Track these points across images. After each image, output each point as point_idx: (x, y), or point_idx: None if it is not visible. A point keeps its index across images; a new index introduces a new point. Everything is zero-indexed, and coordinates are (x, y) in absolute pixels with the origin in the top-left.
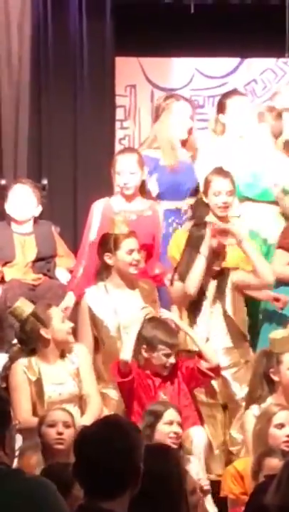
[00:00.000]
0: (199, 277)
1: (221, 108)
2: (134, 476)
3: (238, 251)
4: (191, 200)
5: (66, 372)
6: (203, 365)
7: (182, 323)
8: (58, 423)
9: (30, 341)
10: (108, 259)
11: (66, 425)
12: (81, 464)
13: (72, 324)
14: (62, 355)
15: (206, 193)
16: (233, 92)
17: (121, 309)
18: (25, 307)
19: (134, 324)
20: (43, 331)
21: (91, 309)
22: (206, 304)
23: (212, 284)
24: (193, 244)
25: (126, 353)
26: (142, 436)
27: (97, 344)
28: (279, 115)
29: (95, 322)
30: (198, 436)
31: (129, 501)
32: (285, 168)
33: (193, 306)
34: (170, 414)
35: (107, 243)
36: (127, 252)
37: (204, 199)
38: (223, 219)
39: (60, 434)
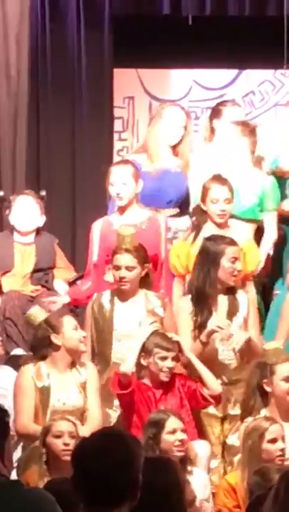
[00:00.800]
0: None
1: (215, 114)
2: (133, 488)
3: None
4: (174, 211)
5: (74, 383)
6: (205, 391)
7: (188, 350)
8: (64, 434)
9: (42, 348)
10: (107, 270)
11: (71, 436)
12: (79, 475)
13: (84, 333)
14: (72, 366)
15: (204, 200)
16: (230, 101)
17: (118, 319)
18: (38, 314)
19: (136, 337)
20: (54, 337)
21: (95, 313)
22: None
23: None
24: (210, 259)
25: (127, 366)
26: (145, 448)
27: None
28: (253, 130)
29: (97, 326)
30: (202, 449)
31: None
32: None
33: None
34: (173, 423)
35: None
36: (114, 268)
37: (202, 206)
38: (222, 226)
39: (66, 445)
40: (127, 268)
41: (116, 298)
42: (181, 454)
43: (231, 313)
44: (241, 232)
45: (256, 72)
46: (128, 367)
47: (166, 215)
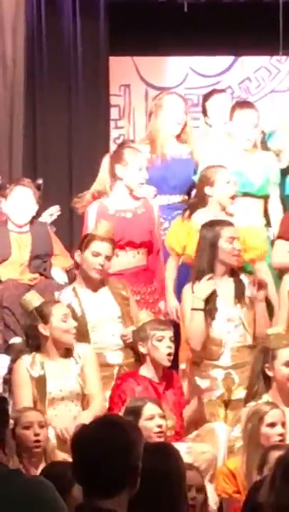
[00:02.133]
0: (200, 332)
1: (203, 111)
2: (133, 474)
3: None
4: (181, 198)
5: (69, 371)
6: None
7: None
8: (33, 424)
9: (33, 337)
10: (77, 256)
11: (41, 425)
12: (79, 463)
13: (75, 324)
14: (67, 354)
15: (210, 184)
16: (211, 92)
17: (89, 310)
18: (32, 300)
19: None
20: (40, 327)
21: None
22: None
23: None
24: (208, 243)
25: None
26: (143, 436)
27: None
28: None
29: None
30: (221, 431)
31: (128, 500)
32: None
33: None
34: (149, 409)
35: (81, 241)
36: (93, 254)
37: (208, 191)
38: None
39: (36, 435)
40: (106, 257)
41: (81, 290)
42: (160, 439)
43: (238, 295)
44: (248, 210)
45: (252, 58)
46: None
47: (173, 201)
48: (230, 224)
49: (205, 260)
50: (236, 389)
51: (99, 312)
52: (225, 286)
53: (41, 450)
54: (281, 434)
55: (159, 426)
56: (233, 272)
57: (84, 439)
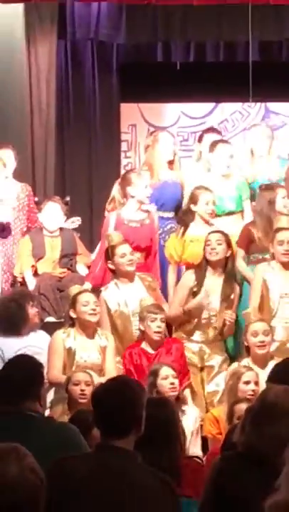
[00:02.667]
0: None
1: (199, 138)
2: (138, 421)
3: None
4: (170, 214)
5: (94, 347)
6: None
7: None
8: (81, 382)
9: (69, 317)
10: (110, 265)
11: (87, 384)
12: (97, 412)
13: (96, 308)
14: (94, 333)
15: (195, 203)
16: (210, 128)
17: (129, 300)
18: (74, 290)
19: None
20: (71, 312)
21: (106, 302)
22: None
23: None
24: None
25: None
26: (148, 392)
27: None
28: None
29: (109, 312)
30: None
31: (135, 440)
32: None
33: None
34: (165, 371)
35: (106, 253)
36: (120, 256)
37: (192, 208)
38: (209, 224)
39: (82, 391)
40: (130, 253)
41: (119, 283)
42: (174, 393)
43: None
44: (228, 225)
45: (229, 104)
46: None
47: (164, 216)
48: (215, 232)
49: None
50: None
51: (134, 303)
52: (213, 279)
53: (86, 402)
54: (253, 390)
55: (172, 383)
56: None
57: (101, 393)
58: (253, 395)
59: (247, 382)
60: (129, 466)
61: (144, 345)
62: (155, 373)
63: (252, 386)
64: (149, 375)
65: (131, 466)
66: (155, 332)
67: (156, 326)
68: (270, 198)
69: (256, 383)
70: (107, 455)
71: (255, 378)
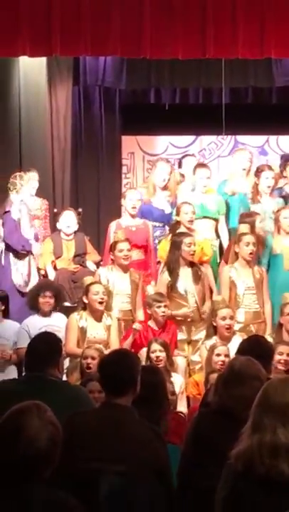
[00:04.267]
0: None
1: (179, 165)
2: (135, 383)
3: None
4: (159, 224)
5: (101, 326)
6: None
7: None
8: (88, 357)
9: (82, 302)
10: (112, 255)
11: (93, 358)
12: (103, 375)
13: (102, 296)
14: (101, 315)
15: (178, 214)
16: (187, 155)
17: (116, 282)
18: (87, 281)
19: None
20: (84, 298)
21: (99, 276)
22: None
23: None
24: (175, 247)
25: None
26: (140, 360)
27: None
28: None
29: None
30: (180, 362)
31: (132, 400)
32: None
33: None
34: (154, 346)
35: (110, 246)
36: (118, 251)
37: (177, 218)
38: (190, 229)
39: (88, 364)
40: (128, 250)
41: (114, 269)
42: (161, 364)
43: (194, 279)
44: (206, 227)
45: (206, 137)
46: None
47: (155, 225)
48: (189, 235)
49: (172, 256)
50: (194, 332)
51: (120, 286)
52: (185, 273)
53: (92, 371)
54: (223, 361)
55: (158, 357)
56: (192, 264)
57: (105, 361)
58: (222, 365)
59: (218, 355)
60: (127, 419)
61: (150, 323)
62: (148, 347)
63: (222, 358)
64: (147, 348)
65: (129, 419)
66: (161, 316)
67: (161, 311)
68: (250, 223)
69: (226, 355)
70: (110, 410)
71: (226, 352)
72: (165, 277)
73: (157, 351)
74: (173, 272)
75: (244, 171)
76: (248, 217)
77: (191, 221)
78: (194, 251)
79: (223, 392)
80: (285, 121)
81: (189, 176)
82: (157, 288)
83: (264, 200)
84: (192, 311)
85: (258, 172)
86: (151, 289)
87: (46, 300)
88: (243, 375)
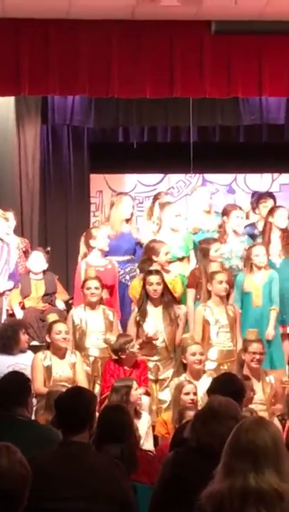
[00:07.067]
0: None
1: (154, 199)
2: (91, 419)
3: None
4: (128, 257)
5: (66, 364)
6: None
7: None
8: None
9: (46, 341)
10: (82, 291)
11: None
12: (59, 414)
13: (67, 336)
14: (65, 353)
15: (156, 254)
16: (159, 193)
17: (88, 320)
18: (51, 318)
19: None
20: (47, 337)
21: (72, 317)
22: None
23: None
24: (143, 284)
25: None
26: (96, 397)
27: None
28: (162, 206)
29: (73, 324)
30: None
31: (96, 437)
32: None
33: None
34: (135, 385)
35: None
36: (86, 288)
37: (154, 258)
38: (166, 270)
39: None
40: (96, 288)
41: (86, 308)
42: (140, 402)
43: (164, 318)
44: (178, 267)
45: (174, 175)
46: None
47: (122, 260)
48: (153, 273)
49: (141, 296)
50: (162, 371)
51: (95, 325)
52: (155, 311)
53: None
54: (192, 399)
55: (140, 394)
56: (167, 305)
57: (61, 400)
58: (192, 403)
59: (187, 394)
60: (86, 455)
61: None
62: (128, 386)
63: (191, 396)
64: (122, 387)
65: (88, 455)
66: (128, 355)
67: (136, 348)
68: (205, 250)
69: (194, 393)
70: (69, 448)
71: (194, 390)
72: (134, 316)
73: (139, 389)
74: (143, 312)
75: (206, 208)
76: (205, 243)
77: (169, 262)
78: (157, 289)
79: (201, 428)
80: (253, 160)
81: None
82: (129, 328)
83: (231, 240)
84: (159, 348)
85: (228, 211)
86: (112, 337)
87: (26, 337)
88: (221, 414)
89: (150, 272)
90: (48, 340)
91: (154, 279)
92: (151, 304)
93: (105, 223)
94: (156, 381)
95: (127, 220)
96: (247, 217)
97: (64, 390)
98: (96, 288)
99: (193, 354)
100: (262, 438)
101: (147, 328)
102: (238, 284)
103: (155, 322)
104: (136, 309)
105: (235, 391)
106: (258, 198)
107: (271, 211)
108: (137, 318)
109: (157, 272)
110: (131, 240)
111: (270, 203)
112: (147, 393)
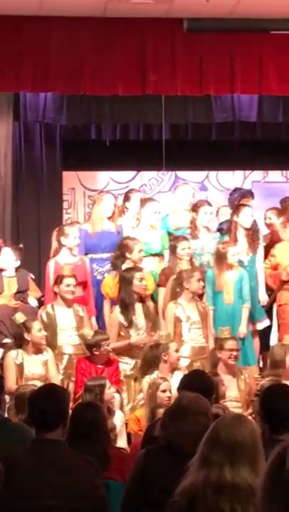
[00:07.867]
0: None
1: (127, 198)
2: (64, 417)
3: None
4: (108, 255)
5: (38, 362)
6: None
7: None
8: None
9: (19, 339)
10: (56, 288)
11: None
12: (32, 411)
13: (45, 333)
14: (37, 352)
15: (130, 251)
16: (132, 190)
17: (60, 319)
18: (20, 318)
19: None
20: (26, 335)
21: (42, 316)
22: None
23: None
24: (126, 282)
25: None
26: (69, 394)
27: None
28: (143, 202)
29: (43, 322)
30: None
31: (68, 435)
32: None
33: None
34: (108, 383)
35: (56, 280)
36: (65, 285)
37: (128, 255)
38: (138, 267)
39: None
40: (73, 286)
41: (55, 306)
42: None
43: (145, 314)
44: (150, 263)
45: (147, 173)
46: None
47: (104, 257)
48: (140, 270)
49: (124, 292)
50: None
51: (67, 321)
52: (137, 309)
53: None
54: (168, 397)
55: (113, 393)
56: (142, 299)
57: (34, 397)
58: (168, 400)
59: (164, 391)
60: (60, 453)
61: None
62: (102, 385)
63: (168, 394)
64: (96, 386)
65: (62, 452)
66: (103, 353)
67: (103, 349)
68: (172, 247)
69: (170, 391)
70: (42, 446)
71: (170, 387)
72: (116, 316)
73: (112, 388)
74: (128, 308)
75: (188, 206)
76: (173, 240)
77: (141, 259)
78: (146, 285)
79: (170, 426)
80: (225, 157)
81: (133, 211)
82: (109, 327)
83: (202, 236)
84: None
85: (196, 207)
86: (90, 332)
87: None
88: (190, 410)
89: (134, 269)
90: (28, 338)
91: (141, 274)
92: (136, 301)
93: (87, 221)
94: (135, 379)
95: (109, 218)
96: (217, 213)
97: (30, 389)
98: (74, 286)
99: (177, 351)
100: (241, 434)
101: (134, 338)
102: (208, 280)
103: (139, 318)
104: (117, 309)
105: (204, 387)
106: (240, 196)
107: (236, 210)
108: (123, 322)
109: (141, 268)
110: (112, 237)
111: (252, 203)
112: (118, 391)
